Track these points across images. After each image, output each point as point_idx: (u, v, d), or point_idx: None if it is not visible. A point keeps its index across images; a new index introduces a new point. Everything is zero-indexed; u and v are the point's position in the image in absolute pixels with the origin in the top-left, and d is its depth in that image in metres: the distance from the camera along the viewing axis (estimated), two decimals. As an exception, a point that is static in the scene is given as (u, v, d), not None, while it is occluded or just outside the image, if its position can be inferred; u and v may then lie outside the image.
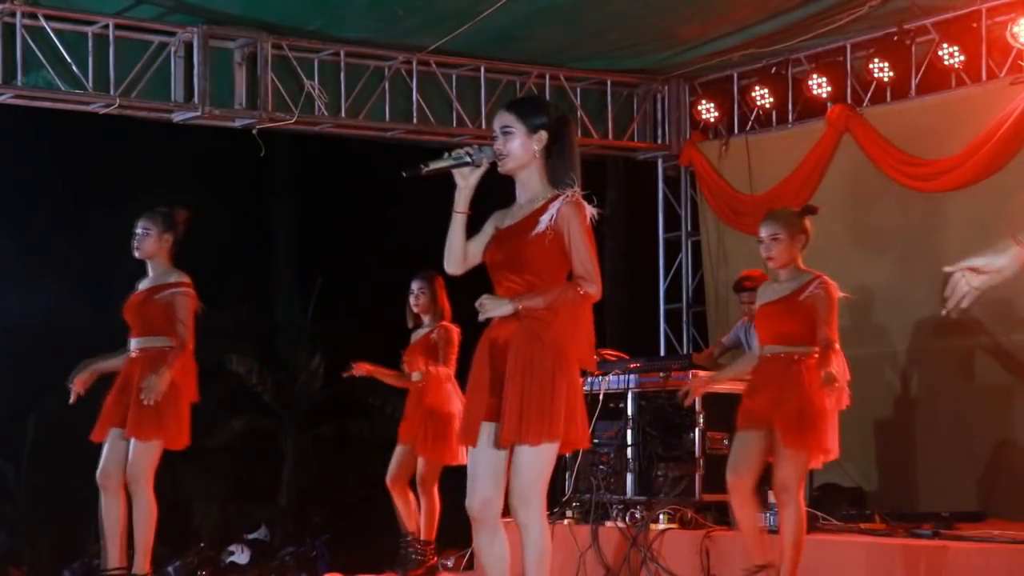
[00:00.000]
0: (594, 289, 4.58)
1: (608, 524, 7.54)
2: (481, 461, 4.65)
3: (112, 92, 8.43)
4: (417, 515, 8.04)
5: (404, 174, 4.66)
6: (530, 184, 4.71)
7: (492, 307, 4.60)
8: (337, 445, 13.83)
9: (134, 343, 6.88)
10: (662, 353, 10.34)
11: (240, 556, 9.53)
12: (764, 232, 6.16)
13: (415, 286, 8.07)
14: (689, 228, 10.58)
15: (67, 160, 13.48)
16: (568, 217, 4.56)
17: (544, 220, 4.57)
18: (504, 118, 4.71)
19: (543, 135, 4.67)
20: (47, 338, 11.57)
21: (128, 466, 6.71)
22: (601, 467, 7.78)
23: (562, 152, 4.69)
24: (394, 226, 13.21)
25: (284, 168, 15.13)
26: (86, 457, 6.93)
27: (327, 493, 14.01)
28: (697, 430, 7.58)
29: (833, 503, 7.57)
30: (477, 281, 4.84)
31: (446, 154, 4.66)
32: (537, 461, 4.56)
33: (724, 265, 10.07)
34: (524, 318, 4.58)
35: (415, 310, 8.10)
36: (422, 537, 8.00)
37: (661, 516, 7.42)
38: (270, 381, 14.41)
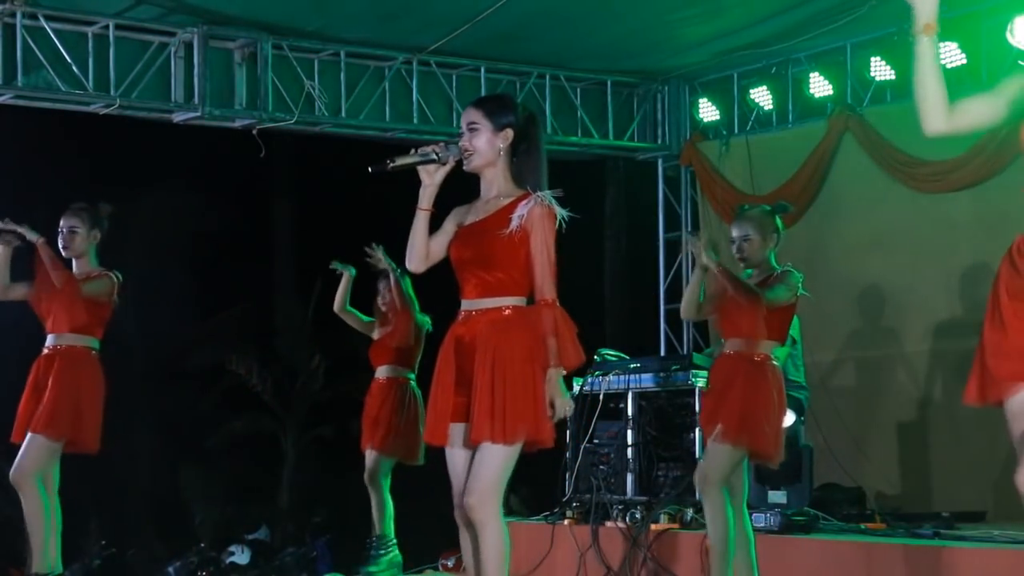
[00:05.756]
0: (554, 294, 4.58)
1: (608, 524, 7.54)
2: (459, 463, 4.62)
3: (112, 92, 8.44)
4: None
5: (370, 169, 4.62)
6: (496, 182, 4.68)
7: (563, 407, 4.55)
8: (337, 445, 13.83)
9: (50, 339, 6.88)
10: (662, 353, 10.33)
11: (240, 556, 9.53)
12: (736, 232, 6.01)
13: (381, 286, 8.02)
14: (689, 228, 10.57)
15: (67, 160, 13.46)
16: (538, 219, 4.55)
17: (515, 219, 4.55)
18: (470, 115, 4.69)
19: (509, 133, 4.64)
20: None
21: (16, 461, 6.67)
22: (601, 467, 7.78)
23: (528, 151, 4.67)
24: (394, 226, 13.19)
25: (284, 168, 15.13)
26: (85, 458, 6.93)
27: (327, 493, 14.00)
28: (697, 430, 7.58)
29: (833, 503, 7.56)
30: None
31: (412, 151, 4.64)
32: (501, 460, 4.50)
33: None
34: (488, 316, 4.56)
35: (383, 309, 8.04)
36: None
37: (661, 516, 7.42)
38: (270, 381, 14.42)
